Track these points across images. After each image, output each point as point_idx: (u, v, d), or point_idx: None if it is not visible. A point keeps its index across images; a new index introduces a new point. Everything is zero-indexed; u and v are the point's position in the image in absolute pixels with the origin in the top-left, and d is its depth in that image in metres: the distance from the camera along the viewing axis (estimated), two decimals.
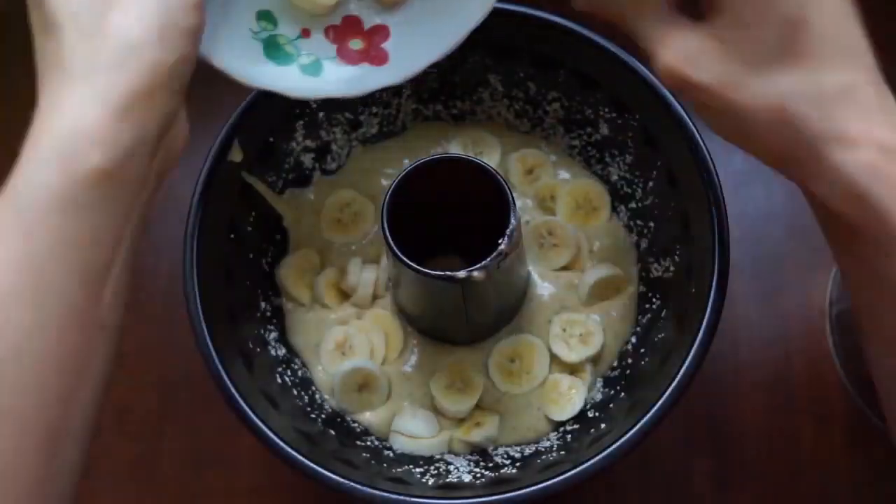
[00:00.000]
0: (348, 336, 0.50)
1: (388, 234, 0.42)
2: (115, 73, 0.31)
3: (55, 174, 0.30)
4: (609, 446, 0.41)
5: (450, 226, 0.49)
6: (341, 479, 0.41)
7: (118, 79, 0.31)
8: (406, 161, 0.54)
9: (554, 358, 0.50)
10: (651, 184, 0.50)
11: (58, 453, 0.31)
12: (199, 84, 0.63)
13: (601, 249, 0.52)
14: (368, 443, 0.49)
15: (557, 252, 0.51)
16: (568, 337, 0.50)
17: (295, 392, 0.49)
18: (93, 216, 0.31)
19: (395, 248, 0.42)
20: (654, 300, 0.50)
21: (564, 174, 0.54)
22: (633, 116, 0.49)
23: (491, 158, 0.54)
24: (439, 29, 0.37)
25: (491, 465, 0.48)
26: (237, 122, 0.47)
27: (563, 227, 0.52)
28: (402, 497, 0.41)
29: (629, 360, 0.50)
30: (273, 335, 0.51)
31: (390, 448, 0.49)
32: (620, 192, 0.53)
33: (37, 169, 0.31)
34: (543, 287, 0.51)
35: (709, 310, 0.43)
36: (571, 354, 0.50)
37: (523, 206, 0.53)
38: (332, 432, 0.48)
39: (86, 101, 0.30)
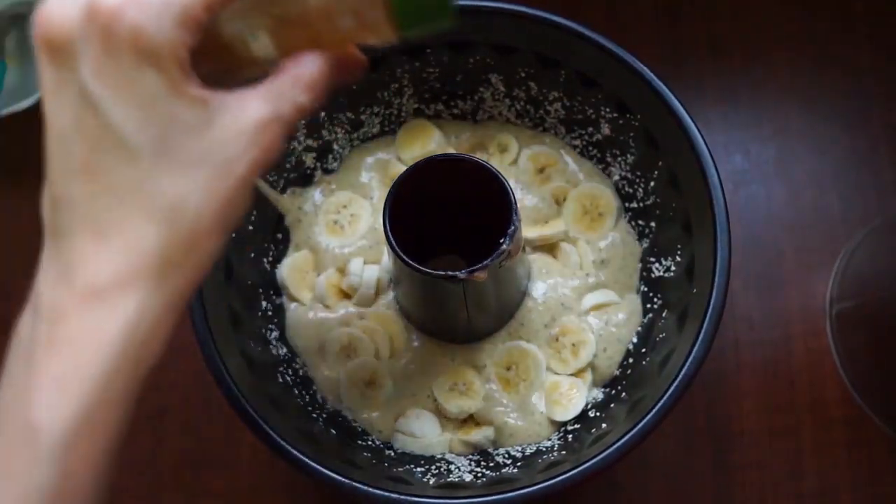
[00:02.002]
0: (352, 339, 0.50)
1: (389, 233, 0.42)
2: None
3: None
4: (610, 446, 0.41)
5: (451, 225, 0.49)
6: (342, 479, 0.41)
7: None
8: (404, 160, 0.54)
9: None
10: (652, 184, 0.50)
11: None
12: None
13: (606, 257, 0.52)
14: (369, 442, 0.49)
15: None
16: (561, 347, 0.50)
17: (296, 391, 0.49)
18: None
19: (396, 248, 0.42)
20: (654, 300, 0.50)
21: (578, 174, 0.54)
22: (634, 116, 0.49)
23: (504, 157, 0.54)
24: None
25: (492, 464, 0.48)
26: None
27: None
28: (403, 496, 0.41)
29: (630, 360, 0.50)
30: (274, 334, 0.51)
31: (391, 447, 0.49)
32: (622, 192, 0.53)
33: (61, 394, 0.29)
34: (539, 292, 0.51)
35: (709, 310, 0.43)
36: (563, 367, 0.50)
37: (534, 206, 0.53)
38: (333, 431, 0.48)
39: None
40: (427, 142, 0.54)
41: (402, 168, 0.51)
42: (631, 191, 0.52)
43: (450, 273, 0.41)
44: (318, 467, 0.41)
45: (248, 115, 0.30)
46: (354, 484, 0.41)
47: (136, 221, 0.29)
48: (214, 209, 0.30)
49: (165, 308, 0.30)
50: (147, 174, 0.29)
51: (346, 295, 0.52)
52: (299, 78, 0.31)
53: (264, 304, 0.51)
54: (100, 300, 0.29)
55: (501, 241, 0.41)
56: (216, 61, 0.32)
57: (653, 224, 0.51)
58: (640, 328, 0.51)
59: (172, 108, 0.28)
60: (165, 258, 0.29)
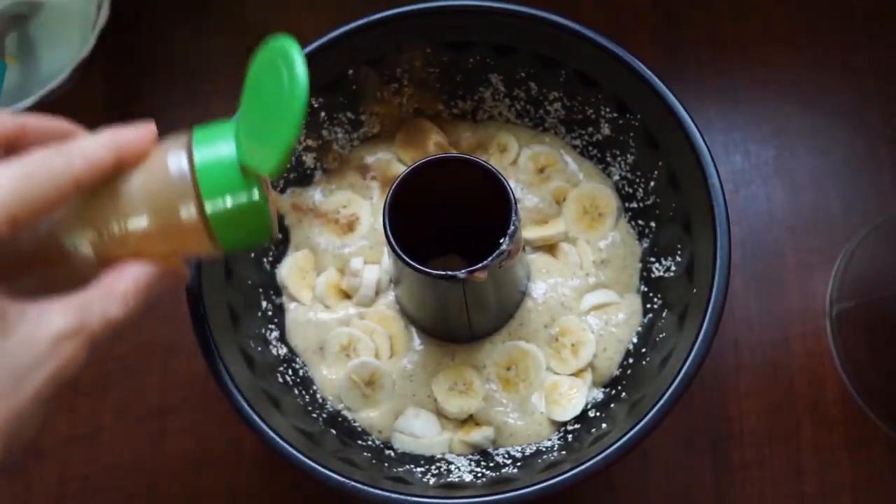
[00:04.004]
0: (352, 339, 0.50)
1: (389, 233, 0.42)
2: None
3: None
4: (609, 446, 0.41)
5: (451, 225, 0.49)
6: (342, 479, 0.41)
7: None
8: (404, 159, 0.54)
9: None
10: (652, 184, 0.50)
11: None
12: (200, 82, 0.64)
13: (606, 257, 0.52)
14: (369, 442, 0.49)
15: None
16: (561, 347, 0.50)
17: (296, 391, 0.49)
18: None
19: (396, 248, 0.42)
20: (654, 300, 0.50)
21: (578, 174, 0.54)
22: (634, 116, 0.49)
23: (504, 157, 0.54)
24: None
25: (492, 464, 0.48)
26: None
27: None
28: (403, 496, 0.41)
29: (630, 360, 0.50)
30: (274, 334, 0.51)
31: (391, 447, 0.49)
32: (622, 193, 0.53)
33: None
34: (539, 292, 0.51)
35: (709, 310, 0.43)
36: (563, 367, 0.50)
37: (534, 206, 0.53)
38: (333, 432, 0.48)
39: None
40: (427, 142, 0.54)
41: (402, 168, 0.51)
42: (631, 191, 0.52)
43: (450, 273, 0.41)
44: (318, 467, 0.41)
45: (47, 327, 0.29)
46: (354, 484, 0.41)
47: None
48: None
49: None
50: None
51: (346, 295, 0.52)
52: (113, 290, 0.31)
53: (264, 304, 0.51)
54: None
55: (501, 241, 0.41)
56: (31, 266, 0.32)
57: (653, 224, 0.51)
58: (640, 328, 0.51)
59: None
60: None
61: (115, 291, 0.31)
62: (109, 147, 0.31)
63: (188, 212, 0.32)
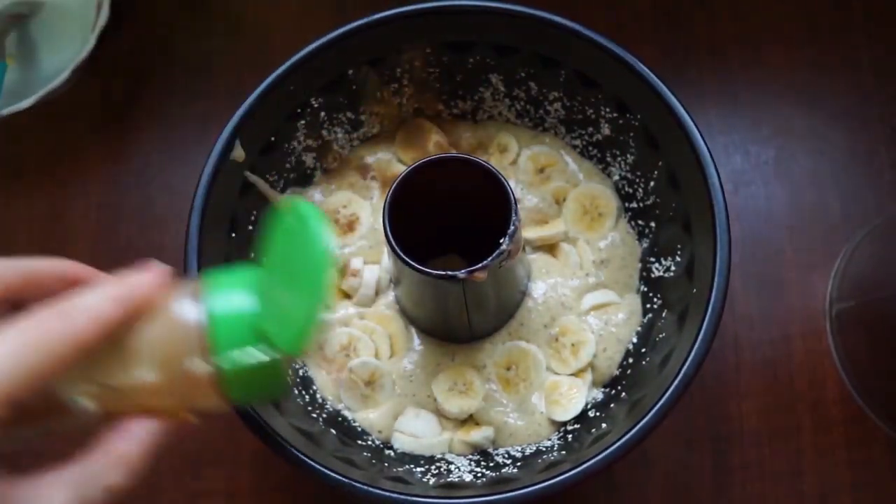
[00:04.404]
0: (352, 339, 0.50)
1: (389, 233, 0.42)
2: None
3: None
4: (609, 446, 0.41)
5: (451, 225, 0.49)
6: (342, 478, 0.41)
7: None
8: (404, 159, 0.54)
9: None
10: (652, 184, 0.50)
11: None
12: (200, 82, 0.64)
13: (606, 257, 0.52)
14: (369, 442, 0.49)
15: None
16: (561, 347, 0.50)
17: (296, 391, 0.49)
18: None
19: (396, 248, 0.42)
20: (654, 300, 0.50)
21: (578, 174, 0.54)
22: (634, 116, 0.49)
23: (504, 157, 0.54)
24: None
25: (492, 464, 0.48)
26: (240, 121, 0.47)
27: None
28: (403, 496, 0.41)
29: (630, 360, 0.50)
30: None
31: (391, 447, 0.49)
32: (622, 192, 0.53)
33: None
34: (539, 292, 0.51)
35: (709, 310, 0.43)
36: (563, 367, 0.50)
37: (534, 206, 0.53)
38: (333, 432, 0.48)
39: None
40: (427, 142, 0.54)
41: (402, 168, 0.51)
42: (631, 191, 0.52)
43: (450, 273, 0.41)
44: (318, 467, 0.41)
45: None
46: (354, 484, 0.41)
47: None
48: None
49: None
50: None
51: (346, 295, 0.52)
52: (116, 456, 0.29)
53: None
54: None
55: (501, 241, 0.41)
56: (30, 419, 0.30)
57: (653, 224, 0.51)
58: (639, 328, 0.51)
59: None
60: None
61: (119, 458, 0.29)
62: (116, 300, 0.29)
63: (198, 367, 0.30)
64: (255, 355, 0.30)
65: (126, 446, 0.29)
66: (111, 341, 0.29)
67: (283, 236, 0.30)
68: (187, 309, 0.30)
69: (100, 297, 0.29)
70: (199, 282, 0.31)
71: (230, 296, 0.30)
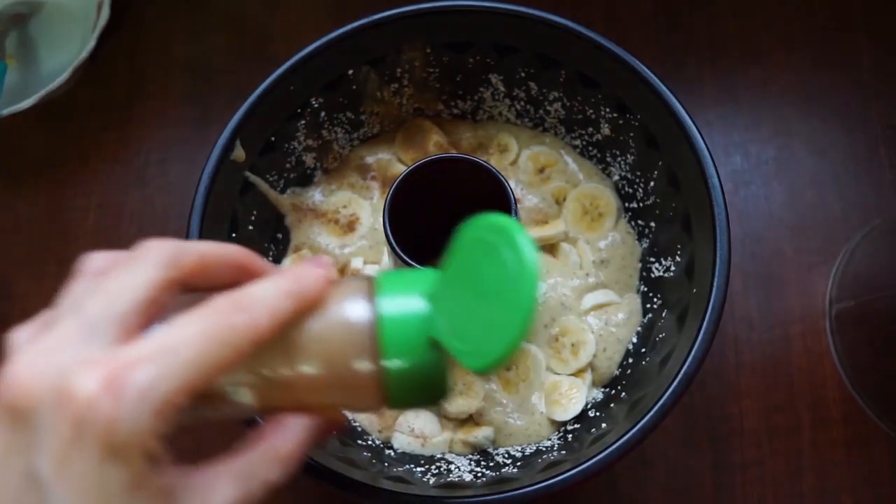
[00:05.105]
0: None
1: (389, 233, 0.42)
2: None
3: None
4: (609, 446, 0.41)
5: (451, 225, 0.49)
6: (342, 478, 0.41)
7: None
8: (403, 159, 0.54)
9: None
10: (652, 184, 0.50)
11: None
12: (200, 82, 0.64)
13: (606, 257, 0.52)
14: (369, 442, 0.49)
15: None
16: (560, 347, 0.50)
17: None
18: None
19: (396, 248, 0.42)
20: (654, 300, 0.50)
21: (578, 174, 0.54)
22: (634, 116, 0.49)
23: (504, 157, 0.54)
24: None
25: (492, 464, 0.48)
26: (240, 121, 0.47)
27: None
28: (402, 496, 0.41)
29: (630, 360, 0.50)
30: None
31: (391, 447, 0.49)
32: (622, 192, 0.53)
33: None
34: (539, 292, 0.51)
35: (709, 310, 0.43)
36: (563, 367, 0.50)
37: (534, 206, 0.53)
38: (333, 431, 0.48)
39: None
40: (427, 142, 0.54)
41: (402, 168, 0.51)
42: (631, 191, 0.52)
43: None
44: (319, 467, 0.41)
45: (215, 502, 0.27)
46: (354, 484, 0.41)
47: None
48: None
49: None
50: None
51: None
52: (275, 452, 0.29)
53: None
54: None
55: None
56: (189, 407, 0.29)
57: (653, 224, 0.51)
58: (639, 328, 0.51)
59: None
60: None
61: (279, 454, 0.29)
62: (290, 295, 0.28)
63: (365, 367, 0.29)
64: (422, 359, 0.29)
65: (283, 442, 0.29)
66: (277, 335, 0.29)
67: (477, 248, 0.29)
68: (358, 307, 0.29)
69: (275, 291, 0.28)
70: (369, 281, 0.31)
71: (403, 298, 0.30)
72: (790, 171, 0.59)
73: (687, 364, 0.42)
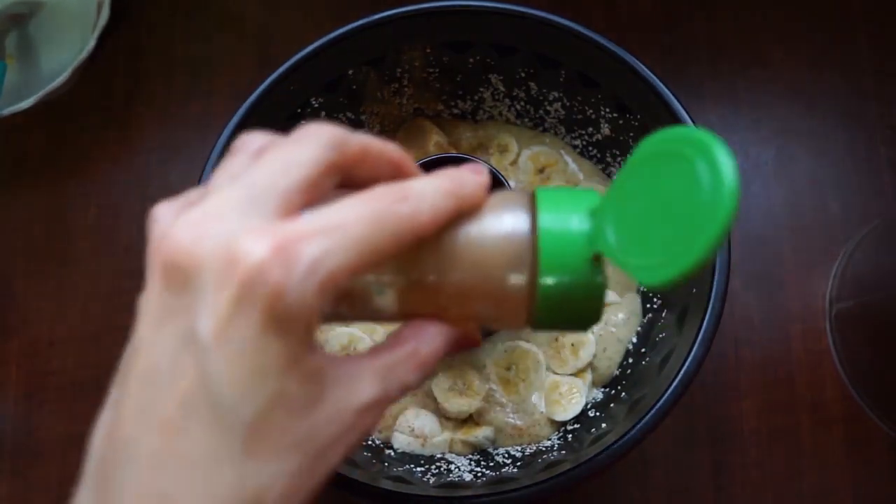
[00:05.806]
0: (352, 339, 0.50)
1: None
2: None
3: None
4: (609, 446, 0.41)
5: None
6: (342, 478, 0.41)
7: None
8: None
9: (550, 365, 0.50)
10: None
11: None
12: (200, 82, 0.64)
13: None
14: (369, 441, 0.49)
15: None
16: (560, 347, 0.50)
17: None
18: None
19: None
20: (654, 300, 0.50)
21: (578, 174, 0.54)
22: (634, 116, 0.49)
23: (504, 157, 0.54)
24: None
25: (492, 464, 0.48)
26: (240, 121, 0.47)
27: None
28: (403, 496, 0.41)
29: (630, 360, 0.50)
30: None
31: (391, 447, 0.49)
32: None
33: None
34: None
35: (709, 310, 0.43)
36: (563, 367, 0.50)
37: None
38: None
39: None
40: (427, 142, 0.54)
41: None
42: None
43: None
44: None
45: (358, 396, 0.27)
46: (354, 483, 0.41)
47: None
48: None
49: None
50: (231, 453, 0.24)
51: None
52: (415, 356, 0.28)
53: None
54: None
55: None
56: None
57: None
58: (639, 328, 0.51)
59: (285, 384, 0.24)
60: None
61: (419, 358, 0.28)
62: (452, 195, 0.28)
63: (518, 280, 0.28)
64: (580, 278, 0.28)
65: (423, 347, 0.29)
66: (431, 237, 0.28)
67: (664, 161, 0.27)
68: (517, 218, 0.28)
69: (438, 187, 0.27)
70: (525, 194, 0.30)
71: (565, 214, 0.28)
72: (790, 172, 0.59)
73: (687, 364, 0.42)
